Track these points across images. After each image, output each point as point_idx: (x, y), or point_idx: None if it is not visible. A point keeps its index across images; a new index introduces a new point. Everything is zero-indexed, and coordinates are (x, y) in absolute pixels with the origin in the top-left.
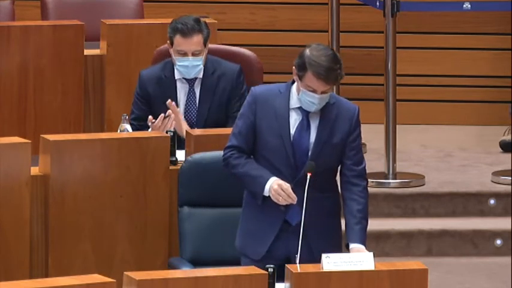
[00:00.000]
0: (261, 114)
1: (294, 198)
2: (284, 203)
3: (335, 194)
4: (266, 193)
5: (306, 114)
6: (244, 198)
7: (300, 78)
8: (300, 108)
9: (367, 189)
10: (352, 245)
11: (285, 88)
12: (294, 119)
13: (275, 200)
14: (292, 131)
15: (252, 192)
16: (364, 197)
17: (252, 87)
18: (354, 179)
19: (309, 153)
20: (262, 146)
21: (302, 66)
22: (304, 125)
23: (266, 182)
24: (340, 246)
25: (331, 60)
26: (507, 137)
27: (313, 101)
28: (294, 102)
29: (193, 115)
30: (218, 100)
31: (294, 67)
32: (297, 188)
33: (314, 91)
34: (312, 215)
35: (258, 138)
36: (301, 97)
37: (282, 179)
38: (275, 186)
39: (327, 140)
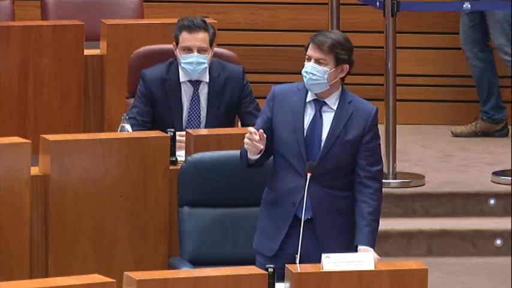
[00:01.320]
0: (277, 110)
1: (258, 144)
2: (252, 150)
3: (350, 193)
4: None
5: (319, 107)
6: (262, 198)
7: (306, 51)
8: (314, 101)
9: (380, 191)
10: (360, 247)
11: (303, 86)
12: (309, 114)
13: (245, 147)
14: (306, 126)
15: (243, 158)
16: (376, 199)
17: (273, 86)
18: (366, 180)
19: (321, 149)
20: (277, 141)
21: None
22: (317, 118)
23: None
24: (352, 245)
25: (335, 35)
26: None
27: (306, 69)
28: (309, 96)
29: (197, 119)
30: (227, 103)
31: None
32: (309, 184)
33: (309, 59)
34: (324, 212)
35: (274, 134)
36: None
37: (295, 174)
38: (247, 134)
39: (339, 136)
